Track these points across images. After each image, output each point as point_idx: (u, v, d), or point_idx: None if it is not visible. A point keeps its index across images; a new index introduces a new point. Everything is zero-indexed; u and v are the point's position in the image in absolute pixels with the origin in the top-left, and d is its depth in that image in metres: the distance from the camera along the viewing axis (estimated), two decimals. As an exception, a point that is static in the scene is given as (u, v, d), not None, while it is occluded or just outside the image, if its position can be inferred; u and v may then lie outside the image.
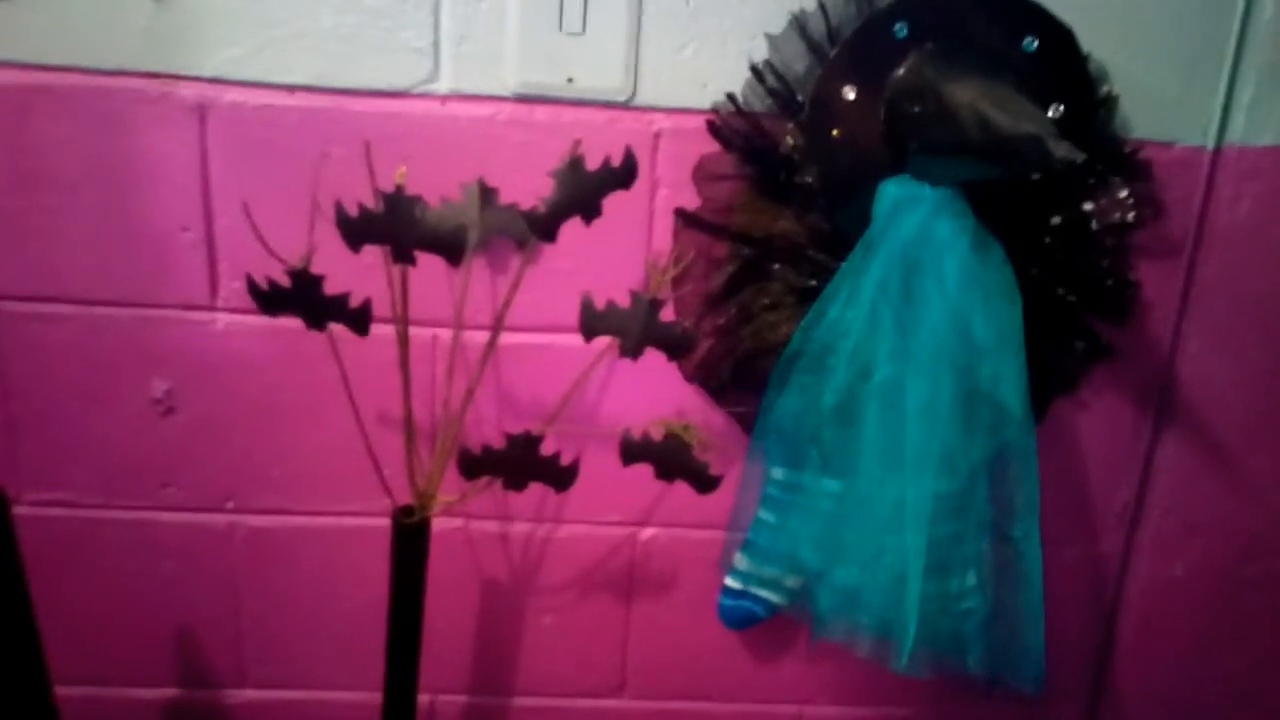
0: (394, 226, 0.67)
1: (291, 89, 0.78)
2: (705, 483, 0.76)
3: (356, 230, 0.68)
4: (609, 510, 0.91)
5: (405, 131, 0.80)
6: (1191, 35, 0.82)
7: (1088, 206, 0.83)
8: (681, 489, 0.77)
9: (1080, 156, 0.60)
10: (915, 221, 0.76)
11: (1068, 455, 0.91)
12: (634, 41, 0.79)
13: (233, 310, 0.83)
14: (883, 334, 0.77)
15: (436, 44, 0.78)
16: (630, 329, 0.75)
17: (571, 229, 0.72)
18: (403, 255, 0.69)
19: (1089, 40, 0.78)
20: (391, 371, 0.77)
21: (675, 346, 0.76)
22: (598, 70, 0.79)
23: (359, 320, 0.71)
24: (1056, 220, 0.83)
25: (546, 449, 0.76)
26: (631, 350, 0.75)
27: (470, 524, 0.90)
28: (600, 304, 0.74)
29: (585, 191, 0.72)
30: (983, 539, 0.81)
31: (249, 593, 0.91)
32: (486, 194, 0.79)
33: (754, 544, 0.88)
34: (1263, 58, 0.82)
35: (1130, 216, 0.83)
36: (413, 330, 0.83)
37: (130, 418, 0.85)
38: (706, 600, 0.92)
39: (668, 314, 0.82)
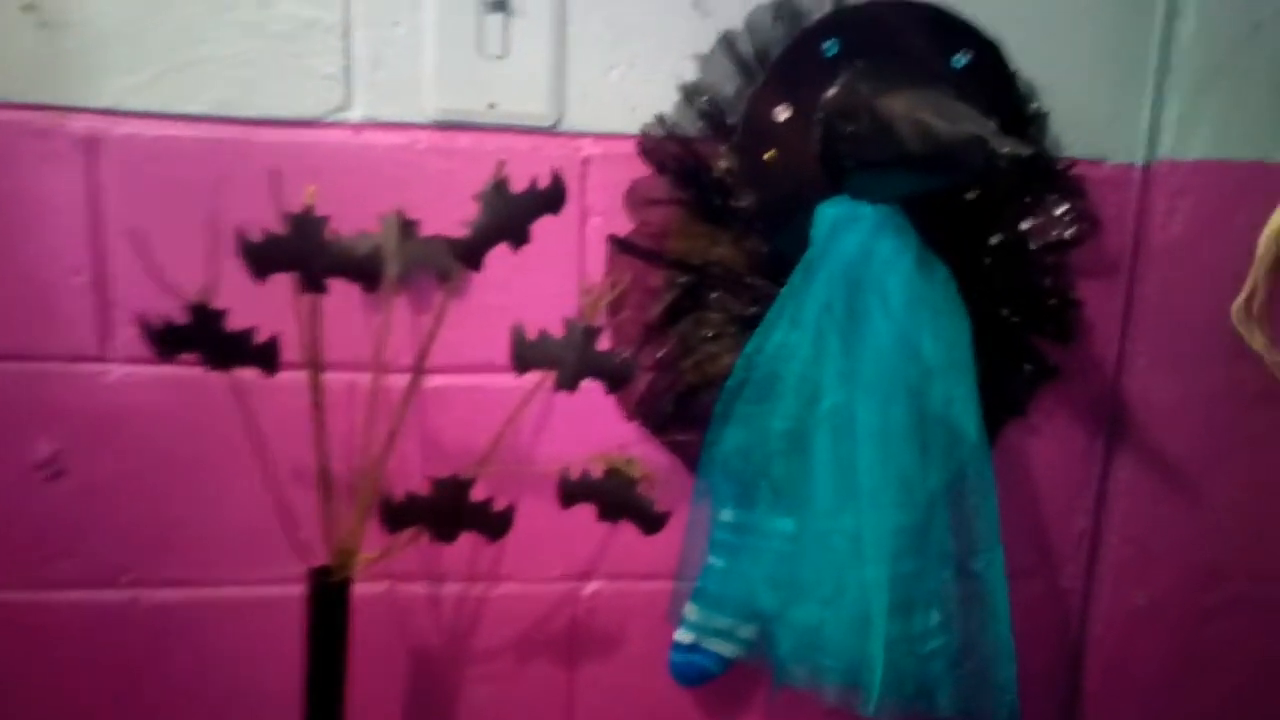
0: (302, 251, 0.62)
1: (192, 119, 0.73)
2: (651, 521, 0.71)
3: (261, 257, 0.63)
4: (548, 564, 0.84)
5: (317, 163, 0.75)
6: (1116, 50, 0.82)
7: (1025, 225, 0.82)
8: (626, 537, 0.72)
9: (1028, 150, 0.58)
10: (856, 240, 0.74)
11: (1021, 483, 0.88)
12: (559, 64, 0.76)
13: (127, 360, 0.76)
14: (829, 357, 0.73)
15: (348, 69, 0.74)
16: (565, 360, 0.70)
17: (499, 262, 0.69)
18: (313, 283, 0.63)
19: (1016, 57, 0.78)
20: (304, 421, 0.71)
21: (614, 377, 0.71)
22: (521, 95, 0.76)
23: (265, 357, 0.65)
24: (995, 240, 0.81)
25: (477, 494, 0.70)
26: (568, 382, 0.70)
27: (396, 587, 0.83)
28: (532, 335, 0.70)
29: (512, 216, 0.69)
30: (944, 574, 0.77)
31: (150, 678, 0.81)
32: (406, 226, 0.75)
33: (704, 592, 0.82)
34: (1187, 72, 0.82)
35: (1068, 234, 0.82)
36: (329, 377, 0.77)
37: (13, 484, 0.76)
38: (658, 657, 0.86)
39: (605, 344, 0.77)
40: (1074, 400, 0.88)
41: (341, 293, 0.76)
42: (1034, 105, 0.80)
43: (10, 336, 0.74)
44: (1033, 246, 0.82)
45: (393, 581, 0.83)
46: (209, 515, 0.79)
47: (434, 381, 0.79)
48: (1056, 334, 0.84)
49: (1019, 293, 0.83)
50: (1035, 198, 0.81)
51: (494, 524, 0.70)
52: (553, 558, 0.84)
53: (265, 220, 0.64)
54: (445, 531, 0.70)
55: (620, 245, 0.77)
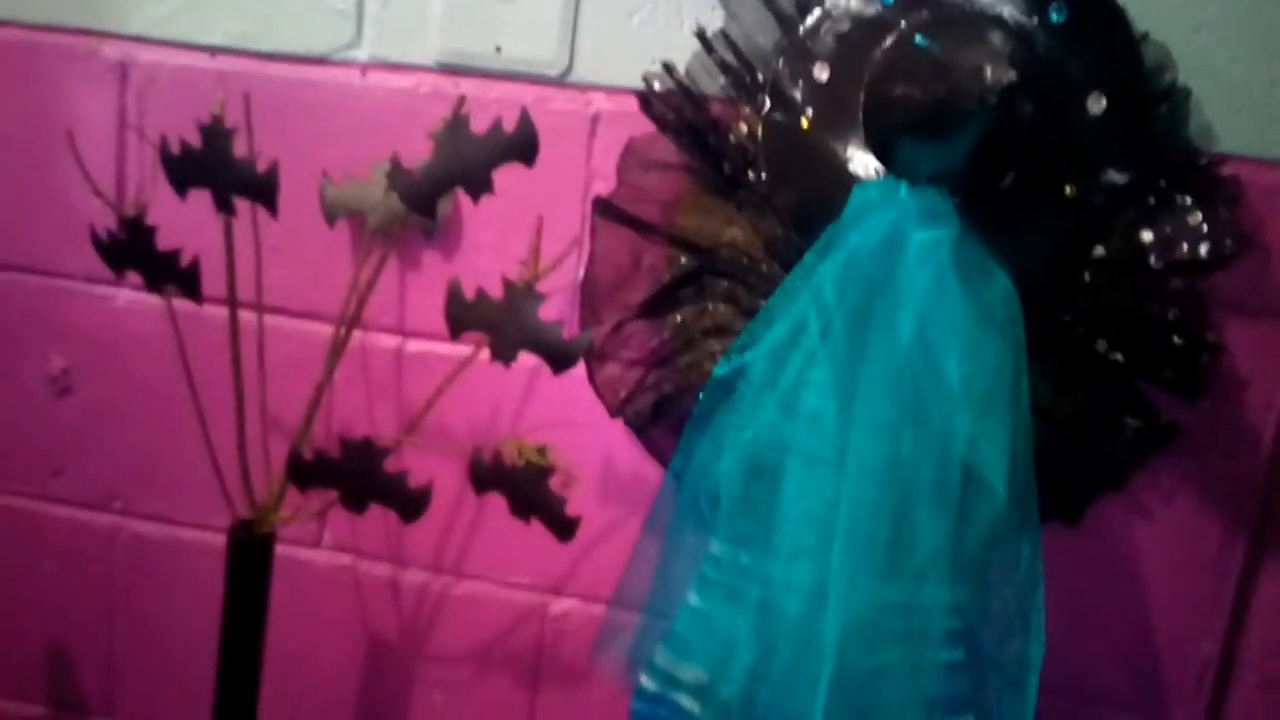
0: (211, 165, 0.58)
1: (212, 51, 0.73)
2: (561, 527, 0.60)
3: (180, 170, 0.59)
4: (516, 568, 0.75)
5: (321, 102, 0.72)
6: (1298, 13, 0.61)
7: (1146, 236, 0.62)
8: (606, 553, 0.63)
9: (1010, 75, 0.42)
10: (883, 226, 0.59)
11: (1119, 582, 0.67)
12: (571, 6, 0.68)
13: (134, 287, 0.76)
14: (825, 360, 0.59)
15: (360, 5, 0.71)
16: (503, 326, 0.61)
17: (492, 224, 0.66)
18: (222, 202, 0.59)
19: (1149, 18, 0.60)
20: (294, 370, 0.69)
21: (557, 354, 0.61)
22: (529, 39, 0.69)
23: (187, 281, 0.62)
24: (1100, 251, 0.63)
25: (399, 465, 0.63)
26: (504, 353, 0.61)
27: (359, 563, 0.77)
28: (470, 292, 0.62)
29: (470, 160, 0.61)
30: (937, 683, 0.58)
31: (124, 609, 0.81)
32: (397, 175, 0.69)
33: (676, 635, 0.69)
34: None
35: (1207, 252, 0.61)
36: (312, 327, 0.74)
37: (30, 392, 0.79)
38: (626, 699, 0.73)
39: (564, 315, 0.68)
40: (1207, 480, 0.66)
41: (335, 241, 0.73)
42: (1167, 78, 0.61)
43: (38, 250, 0.77)
44: (1155, 265, 0.62)
45: (356, 557, 0.77)
46: (192, 454, 0.77)
47: (416, 346, 0.74)
48: (1178, 384, 0.63)
49: (1127, 323, 0.63)
50: (1161, 200, 0.62)
51: (407, 501, 0.62)
52: (521, 562, 0.75)
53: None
54: (354, 499, 0.63)
55: (604, 209, 0.67)
